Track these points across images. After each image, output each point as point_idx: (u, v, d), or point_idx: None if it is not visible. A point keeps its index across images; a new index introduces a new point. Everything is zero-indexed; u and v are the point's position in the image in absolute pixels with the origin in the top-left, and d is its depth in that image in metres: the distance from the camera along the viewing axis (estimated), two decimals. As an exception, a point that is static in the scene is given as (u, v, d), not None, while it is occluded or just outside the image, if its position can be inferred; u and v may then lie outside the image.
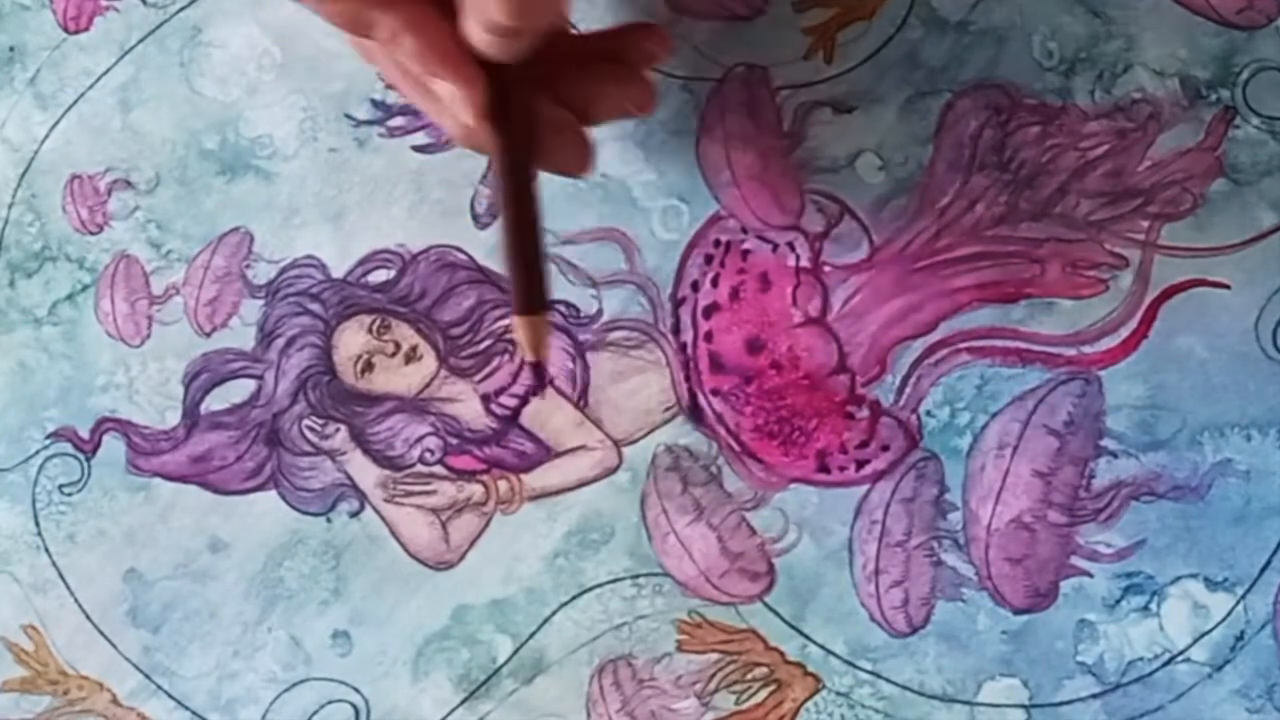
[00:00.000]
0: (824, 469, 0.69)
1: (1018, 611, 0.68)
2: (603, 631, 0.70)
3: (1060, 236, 0.69)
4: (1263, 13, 0.68)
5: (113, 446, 0.73)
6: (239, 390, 0.73)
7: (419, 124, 0.73)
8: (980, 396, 0.68)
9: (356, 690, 0.71)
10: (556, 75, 0.64)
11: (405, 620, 0.71)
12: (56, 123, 0.75)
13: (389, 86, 0.73)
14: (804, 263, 0.70)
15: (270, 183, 0.73)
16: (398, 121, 0.73)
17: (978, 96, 0.69)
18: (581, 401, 0.71)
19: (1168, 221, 0.68)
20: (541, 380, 0.70)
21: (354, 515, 0.72)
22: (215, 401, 0.73)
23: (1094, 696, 0.67)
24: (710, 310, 0.70)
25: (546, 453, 0.71)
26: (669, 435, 0.70)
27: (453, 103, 0.61)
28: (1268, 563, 0.66)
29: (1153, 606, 0.67)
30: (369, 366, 0.72)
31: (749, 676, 0.69)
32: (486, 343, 0.72)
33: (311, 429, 0.72)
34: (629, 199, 0.71)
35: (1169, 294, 0.68)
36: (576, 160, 0.65)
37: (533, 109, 0.63)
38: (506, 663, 0.70)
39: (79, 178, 0.75)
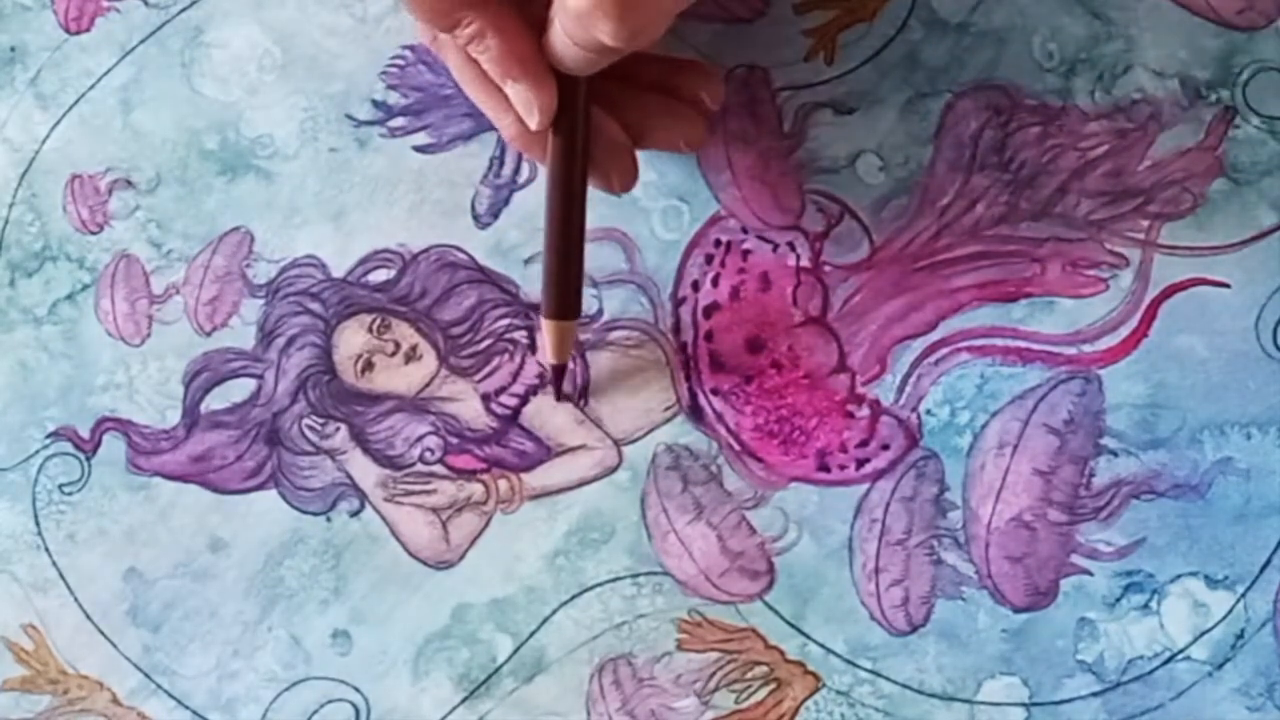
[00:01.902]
0: (824, 468, 0.69)
1: (1018, 610, 0.68)
2: (603, 630, 0.70)
3: (1060, 236, 0.69)
4: (1262, 14, 0.68)
5: (113, 446, 0.73)
6: (239, 389, 0.73)
7: (419, 124, 0.73)
8: (980, 395, 0.69)
9: (356, 689, 0.71)
10: (615, 94, 0.66)
11: (405, 619, 0.71)
12: (57, 123, 0.75)
13: (391, 87, 0.73)
14: (804, 262, 0.70)
15: (271, 182, 0.73)
16: (398, 122, 0.73)
17: (978, 97, 0.70)
18: (582, 401, 0.71)
19: (1168, 221, 0.68)
20: (560, 383, 0.70)
21: (354, 514, 0.72)
22: (215, 401, 0.73)
23: (1094, 695, 0.67)
24: (710, 310, 0.71)
25: (547, 452, 0.71)
26: (669, 434, 0.70)
27: (521, 105, 0.63)
28: (1268, 561, 0.66)
29: (1153, 605, 0.67)
30: (369, 366, 0.72)
31: (749, 675, 0.69)
32: (487, 342, 0.72)
33: (311, 428, 0.72)
34: (629, 199, 0.71)
35: (1169, 293, 0.68)
36: (621, 178, 0.67)
37: (591, 122, 0.65)
38: (507, 662, 0.70)
39: (79, 177, 0.74)
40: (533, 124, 0.63)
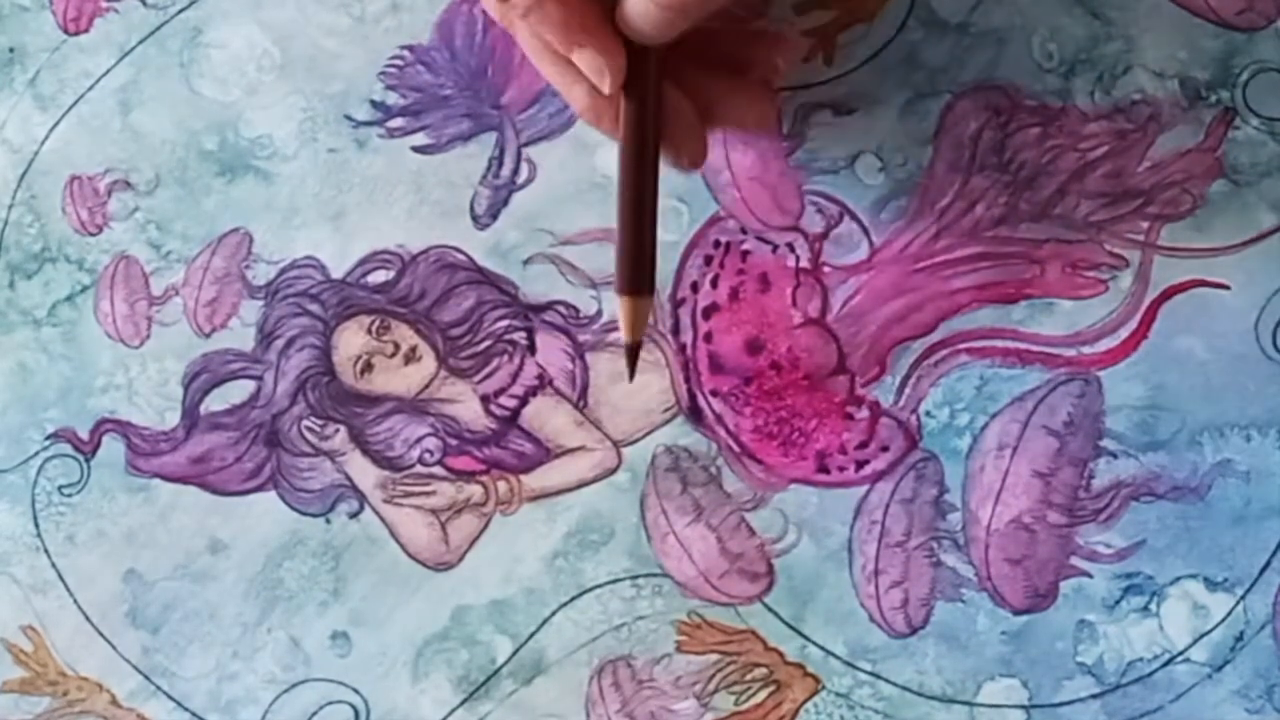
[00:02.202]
0: (823, 469, 0.69)
1: (1017, 612, 0.68)
2: (602, 632, 0.70)
3: (1060, 237, 0.69)
4: (1262, 14, 0.68)
5: (112, 447, 0.73)
6: (238, 391, 0.73)
7: (418, 125, 0.73)
8: (980, 397, 0.68)
9: (356, 691, 0.71)
10: (685, 70, 0.65)
11: (405, 621, 0.71)
12: (56, 124, 0.75)
13: (390, 87, 0.73)
14: (804, 263, 0.70)
15: (270, 183, 0.73)
16: (397, 122, 0.73)
17: (978, 98, 0.69)
18: (581, 402, 0.71)
19: (1167, 222, 0.68)
20: (634, 364, 0.68)
21: (353, 516, 0.72)
22: (215, 402, 0.73)
23: (1094, 697, 0.67)
24: (710, 311, 0.70)
25: (546, 453, 0.71)
26: (668, 436, 0.70)
27: (591, 70, 0.62)
28: (1267, 563, 0.66)
29: (1152, 607, 0.67)
30: (368, 367, 0.72)
31: (748, 677, 0.69)
32: (486, 343, 0.72)
33: (311, 430, 0.72)
34: (629, 200, 0.71)
35: (1169, 294, 0.68)
36: (691, 153, 0.66)
37: (662, 94, 0.64)
38: (506, 663, 0.70)
39: (79, 179, 0.74)
40: (605, 87, 0.62)
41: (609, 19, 0.61)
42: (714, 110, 0.66)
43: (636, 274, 0.65)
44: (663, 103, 0.64)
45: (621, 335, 0.67)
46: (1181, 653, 0.67)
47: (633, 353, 0.67)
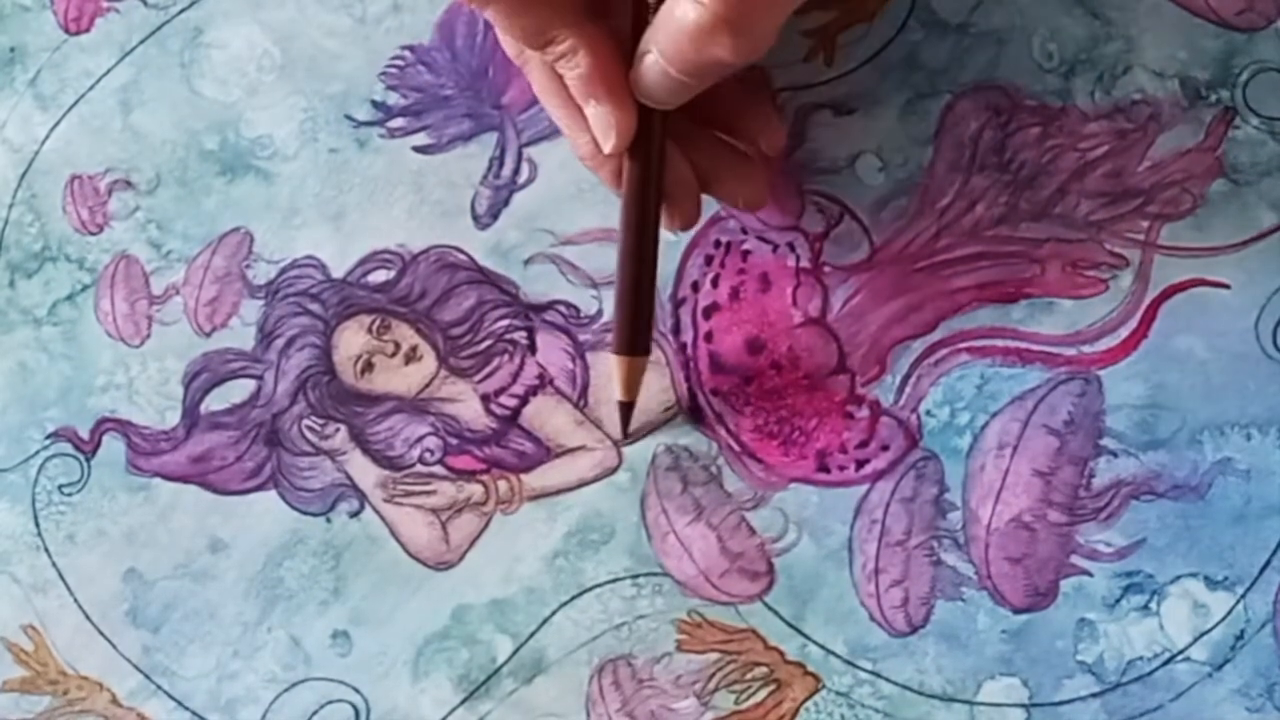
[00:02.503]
0: (824, 469, 0.69)
1: (1018, 611, 0.68)
2: (602, 631, 0.70)
3: (1060, 236, 0.69)
4: (1262, 14, 0.68)
5: (112, 446, 0.73)
6: (239, 390, 0.73)
7: (419, 125, 0.73)
8: (980, 396, 0.69)
9: (356, 690, 0.71)
10: (689, 134, 0.66)
11: (405, 620, 0.71)
12: (57, 123, 0.75)
13: (390, 87, 0.73)
14: (804, 263, 0.70)
15: (270, 183, 0.73)
16: (398, 122, 0.73)
17: (978, 98, 0.70)
18: (581, 402, 0.71)
19: (1168, 221, 0.68)
20: (627, 421, 0.70)
21: (354, 515, 0.72)
22: (215, 401, 0.73)
23: (1094, 696, 0.67)
24: (710, 310, 0.71)
25: (546, 453, 0.71)
26: (669, 435, 0.70)
27: (599, 127, 0.63)
28: (1268, 562, 0.66)
29: (1153, 606, 0.67)
30: (369, 366, 0.72)
31: (749, 676, 0.69)
32: (486, 343, 0.72)
33: (311, 429, 0.72)
34: (629, 199, 0.71)
35: (1169, 294, 0.68)
36: (683, 216, 0.68)
37: (664, 152, 0.65)
38: (506, 663, 0.70)
39: (79, 178, 0.75)
40: (608, 147, 0.63)
41: (626, 78, 0.62)
42: (710, 179, 0.67)
43: (634, 335, 0.67)
44: (665, 162, 0.65)
45: (615, 393, 0.68)
46: (1182, 651, 0.67)
47: (625, 410, 0.69)
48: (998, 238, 0.69)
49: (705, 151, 0.67)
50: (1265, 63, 0.68)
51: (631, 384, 0.68)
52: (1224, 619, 0.67)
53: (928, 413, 0.69)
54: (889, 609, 0.68)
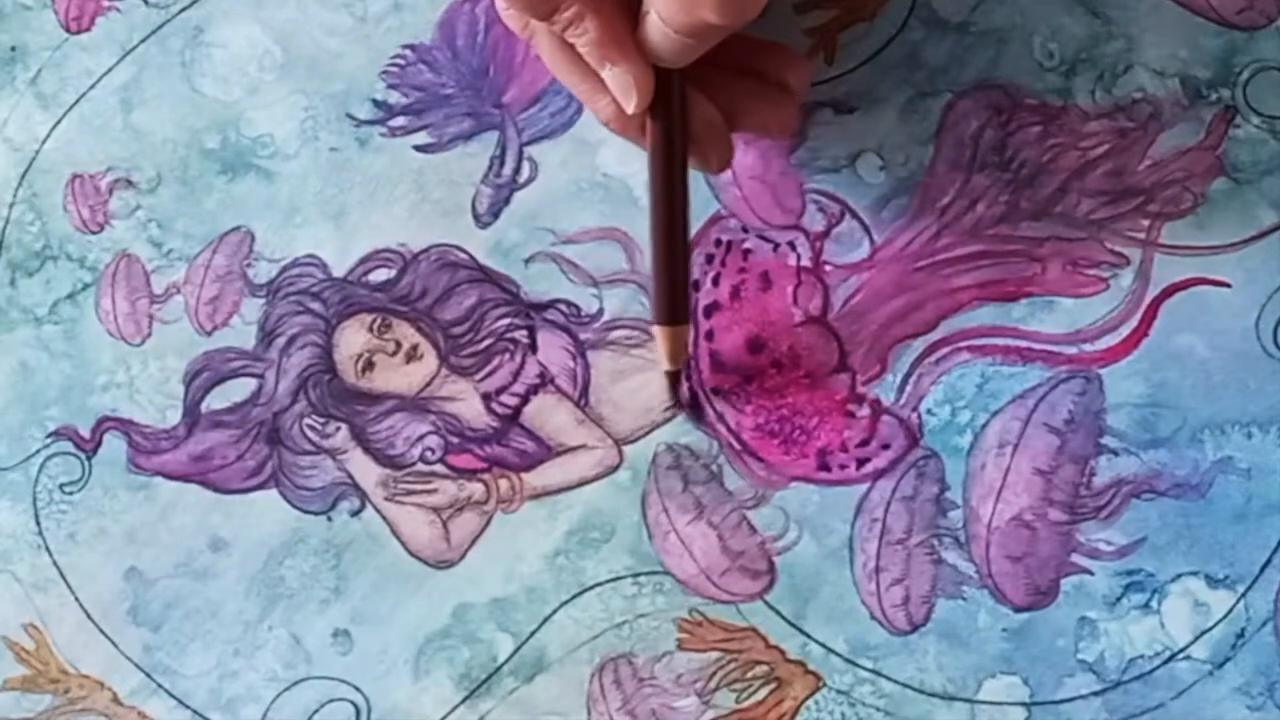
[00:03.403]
0: (825, 467, 0.69)
1: (1018, 609, 0.68)
2: (603, 630, 0.70)
3: (1061, 235, 0.69)
4: (1263, 13, 0.68)
5: (113, 445, 0.73)
6: (240, 389, 0.73)
7: (420, 124, 0.73)
8: (981, 395, 0.69)
9: (357, 689, 0.71)
10: (709, 75, 0.65)
11: (406, 619, 0.71)
12: (58, 122, 0.75)
13: (391, 86, 0.73)
14: (805, 262, 0.70)
15: (271, 182, 0.73)
16: (399, 121, 0.73)
17: (978, 97, 0.70)
18: (582, 400, 0.71)
19: (1168, 220, 0.68)
20: (675, 391, 0.70)
21: (355, 514, 0.72)
22: (216, 400, 0.73)
23: (1095, 694, 0.67)
24: (711, 309, 0.70)
25: (547, 451, 0.71)
26: (670, 434, 0.70)
27: (619, 89, 0.63)
28: (1268, 560, 0.67)
29: (1153, 604, 0.67)
30: (370, 365, 0.72)
31: (749, 675, 0.69)
32: (487, 341, 0.72)
33: (312, 428, 0.72)
34: (630, 198, 0.71)
35: (1170, 292, 0.68)
36: (718, 159, 0.67)
37: (687, 104, 0.65)
38: (507, 661, 0.70)
39: (80, 177, 0.75)
40: (630, 107, 0.63)
41: (636, 37, 0.62)
42: (737, 114, 0.67)
43: (672, 303, 0.67)
44: (688, 112, 0.65)
45: (662, 364, 0.68)
46: (1182, 650, 0.67)
47: (674, 379, 0.69)
48: (998, 236, 0.69)
49: (729, 90, 0.66)
50: (1266, 61, 0.68)
51: (677, 353, 0.68)
52: (1225, 617, 0.67)
53: (928, 411, 0.69)
54: (890, 607, 0.68)
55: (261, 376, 0.73)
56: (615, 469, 0.70)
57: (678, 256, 0.66)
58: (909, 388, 0.69)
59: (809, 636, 0.69)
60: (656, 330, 0.67)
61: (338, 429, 0.72)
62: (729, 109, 0.66)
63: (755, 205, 0.71)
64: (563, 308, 0.71)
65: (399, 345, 0.72)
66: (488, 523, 0.71)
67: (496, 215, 0.72)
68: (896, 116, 0.70)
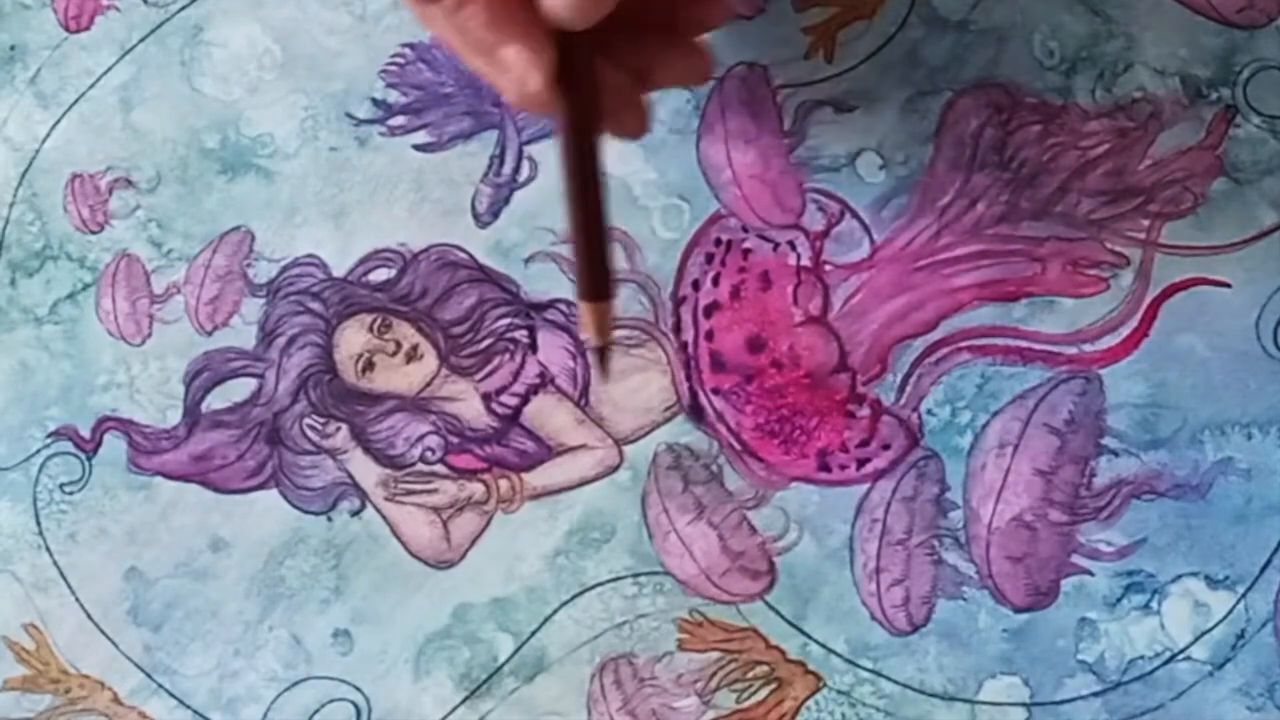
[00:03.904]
0: (825, 468, 0.69)
1: (1019, 610, 0.68)
2: (604, 630, 0.70)
3: (1061, 235, 0.69)
4: (1263, 12, 0.68)
5: (114, 445, 0.73)
6: (240, 389, 0.73)
7: (419, 123, 0.73)
8: (981, 395, 0.69)
9: (357, 689, 0.71)
10: (614, 40, 0.62)
11: (406, 619, 0.71)
12: (57, 122, 0.75)
13: (391, 85, 0.73)
14: (805, 261, 0.70)
15: (271, 182, 0.73)
16: (398, 121, 0.73)
17: (979, 95, 0.69)
18: (582, 400, 0.71)
19: (1168, 220, 0.68)
20: (605, 365, 0.67)
21: (355, 514, 0.72)
22: (216, 400, 0.73)
23: (1095, 695, 0.67)
24: (711, 309, 0.70)
25: (548, 451, 0.71)
26: (670, 434, 0.70)
27: (519, 69, 0.59)
28: (1269, 561, 0.66)
29: (1154, 605, 0.67)
30: (370, 365, 0.72)
31: (750, 675, 0.69)
32: (487, 341, 0.72)
33: (312, 428, 0.72)
34: (630, 198, 0.71)
35: (1170, 292, 0.68)
36: (634, 124, 0.64)
37: (595, 73, 0.61)
38: (508, 661, 0.70)
39: (80, 177, 0.74)
40: (531, 85, 0.59)
41: (532, 9, 0.58)
42: (650, 73, 0.64)
43: (593, 279, 0.63)
44: (599, 83, 0.61)
45: (588, 339, 0.66)
46: (1183, 650, 0.67)
47: (602, 354, 0.67)
48: (998, 236, 0.69)
49: (636, 51, 0.63)
50: (1266, 61, 0.68)
51: (603, 328, 0.64)
52: (1225, 618, 0.67)
53: (929, 411, 0.69)
54: (890, 608, 0.68)
55: (261, 376, 0.73)
56: (615, 469, 0.70)
57: (596, 231, 0.62)
58: (909, 388, 0.69)
59: (809, 637, 0.69)
60: (581, 306, 0.64)
61: (338, 429, 0.72)
62: (640, 68, 0.63)
63: (755, 204, 0.70)
64: (563, 307, 0.71)
65: (399, 345, 0.72)
66: (488, 523, 0.71)
67: (496, 215, 0.72)
68: (896, 115, 0.70)
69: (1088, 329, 0.68)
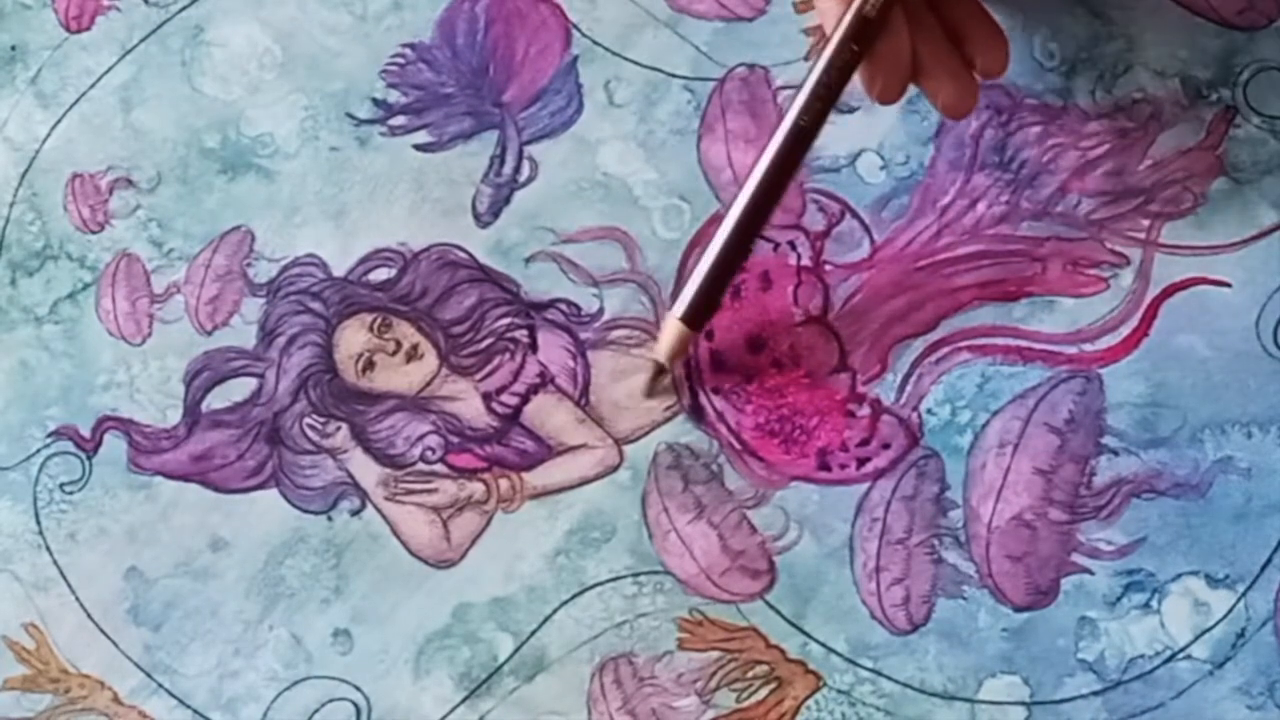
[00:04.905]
0: (825, 467, 0.69)
1: (1019, 609, 0.68)
2: (604, 629, 0.70)
3: (1061, 235, 0.69)
4: (1263, 13, 0.68)
5: (114, 445, 0.73)
6: (240, 389, 0.73)
7: (420, 123, 0.73)
8: (981, 394, 0.69)
9: (357, 688, 0.71)
10: (920, 18, 0.64)
11: (406, 618, 0.71)
12: (58, 121, 0.75)
13: (391, 85, 0.73)
14: (805, 261, 0.70)
15: (271, 181, 0.73)
16: (399, 120, 0.73)
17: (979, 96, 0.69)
18: (583, 400, 0.71)
19: (1168, 220, 0.68)
20: (656, 384, 0.70)
21: (355, 513, 0.72)
22: (216, 400, 0.73)
23: (1095, 694, 0.67)
24: (711, 309, 0.70)
25: (548, 451, 0.71)
26: (670, 433, 0.70)
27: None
28: (1269, 560, 0.67)
29: (1154, 604, 0.67)
30: (370, 365, 0.72)
31: (750, 674, 0.69)
32: (487, 341, 0.72)
33: (312, 427, 0.72)
34: (630, 198, 0.71)
35: (1170, 292, 0.68)
36: (886, 89, 0.65)
37: (889, 27, 0.64)
38: (508, 661, 0.70)
39: (80, 176, 0.75)
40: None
41: None
42: (922, 70, 0.65)
43: (702, 305, 0.67)
44: (884, 32, 0.64)
45: (658, 354, 0.67)
46: (1183, 649, 0.67)
47: (659, 373, 0.69)
48: (999, 236, 0.69)
49: (930, 42, 0.65)
50: (1266, 61, 0.68)
51: (678, 353, 0.68)
52: (1225, 617, 0.67)
53: (929, 411, 0.69)
54: (890, 607, 0.68)
55: (262, 376, 0.73)
56: (615, 468, 0.70)
57: (734, 260, 0.66)
58: (909, 387, 0.69)
59: (809, 636, 0.69)
60: (669, 321, 0.67)
61: (338, 429, 0.72)
62: (920, 60, 0.65)
63: (755, 205, 0.70)
64: (563, 307, 0.71)
65: (399, 345, 0.72)
66: (488, 522, 0.71)
67: (496, 214, 0.72)
68: (897, 116, 0.70)
69: (1088, 329, 0.68)
